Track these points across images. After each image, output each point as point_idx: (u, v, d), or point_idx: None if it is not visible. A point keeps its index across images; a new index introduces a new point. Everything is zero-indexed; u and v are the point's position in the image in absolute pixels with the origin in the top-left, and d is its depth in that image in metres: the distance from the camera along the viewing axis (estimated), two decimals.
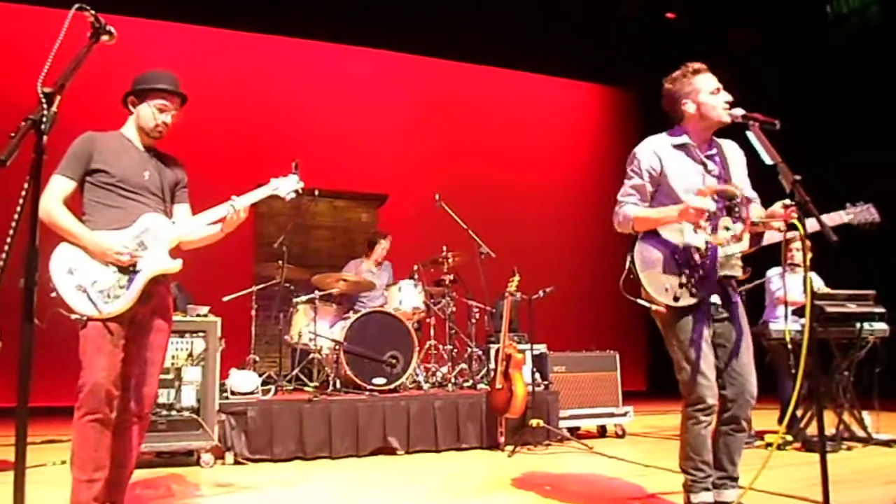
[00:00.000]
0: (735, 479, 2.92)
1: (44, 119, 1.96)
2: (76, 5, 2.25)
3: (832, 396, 5.18)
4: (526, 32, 10.10)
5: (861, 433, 5.22)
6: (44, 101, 1.99)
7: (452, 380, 6.04)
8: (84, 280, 2.74)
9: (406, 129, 10.62)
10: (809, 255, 2.63)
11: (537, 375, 5.80)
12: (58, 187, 2.80)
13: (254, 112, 9.62)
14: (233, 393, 5.08)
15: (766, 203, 2.95)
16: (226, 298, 5.82)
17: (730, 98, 2.90)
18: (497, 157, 11.07)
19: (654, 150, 2.98)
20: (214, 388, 4.67)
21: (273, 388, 5.42)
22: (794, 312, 5.39)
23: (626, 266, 2.94)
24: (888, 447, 5.06)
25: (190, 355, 4.64)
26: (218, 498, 3.80)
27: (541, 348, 6.05)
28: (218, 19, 9.40)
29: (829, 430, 5.03)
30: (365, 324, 5.69)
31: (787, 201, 2.64)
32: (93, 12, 2.31)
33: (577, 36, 10.34)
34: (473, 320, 6.53)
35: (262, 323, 6.48)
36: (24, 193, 1.91)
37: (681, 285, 2.86)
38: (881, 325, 5.31)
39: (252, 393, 5.15)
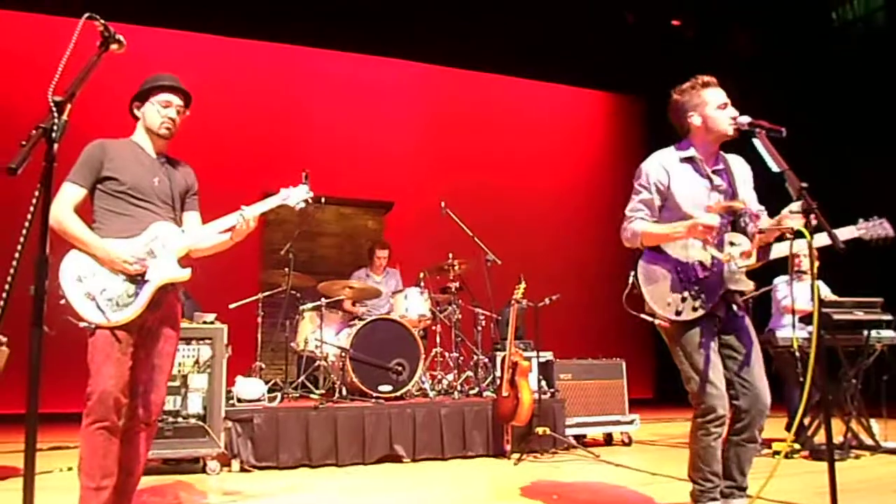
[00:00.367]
0: (743, 489, 2.91)
1: (54, 127, 1.97)
2: (86, 15, 2.27)
3: (840, 404, 5.15)
4: (532, 41, 10.10)
5: (869, 441, 5.19)
6: (54, 109, 2.00)
7: (458, 387, 6.03)
8: (93, 288, 2.75)
9: (412, 137, 10.64)
10: (816, 264, 2.63)
11: (543, 383, 5.78)
12: (68, 195, 2.81)
13: (261, 120, 9.66)
14: (239, 400, 5.09)
15: (773, 213, 2.94)
16: (232, 306, 5.84)
17: (736, 113, 2.89)
18: (502, 164, 11.08)
19: (662, 164, 2.98)
20: (221, 396, 4.67)
21: (279, 395, 5.43)
22: (800, 320, 5.37)
23: (630, 281, 2.95)
24: None
25: (196, 362, 4.65)
26: None
27: (547, 356, 6.03)
28: (226, 28, 9.44)
29: (837, 439, 5.00)
30: (371, 331, 5.69)
31: (795, 206, 2.63)
32: (102, 21, 2.33)
33: (583, 44, 10.34)
34: (479, 328, 6.53)
35: (269, 330, 6.49)
36: (34, 201, 1.92)
37: (683, 300, 2.86)
38: (889, 333, 5.29)
39: (258, 400, 5.16)
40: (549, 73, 11.42)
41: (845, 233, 2.88)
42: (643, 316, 2.95)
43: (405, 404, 5.39)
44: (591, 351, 6.47)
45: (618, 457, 5.31)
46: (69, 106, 2.05)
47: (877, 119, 9.07)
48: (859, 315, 5.22)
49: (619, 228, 3.06)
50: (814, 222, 2.45)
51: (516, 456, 5.16)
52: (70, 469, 4.44)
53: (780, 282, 5.66)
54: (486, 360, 6.41)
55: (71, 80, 2.12)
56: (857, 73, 9.65)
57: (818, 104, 9.67)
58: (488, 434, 5.42)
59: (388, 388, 5.54)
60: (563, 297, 5.70)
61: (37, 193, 1.93)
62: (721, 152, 3.04)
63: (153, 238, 2.90)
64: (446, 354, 6.45)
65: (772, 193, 2.98)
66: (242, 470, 4.73)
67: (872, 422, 5.26)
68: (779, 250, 2.98)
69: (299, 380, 6.02)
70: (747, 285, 2.93)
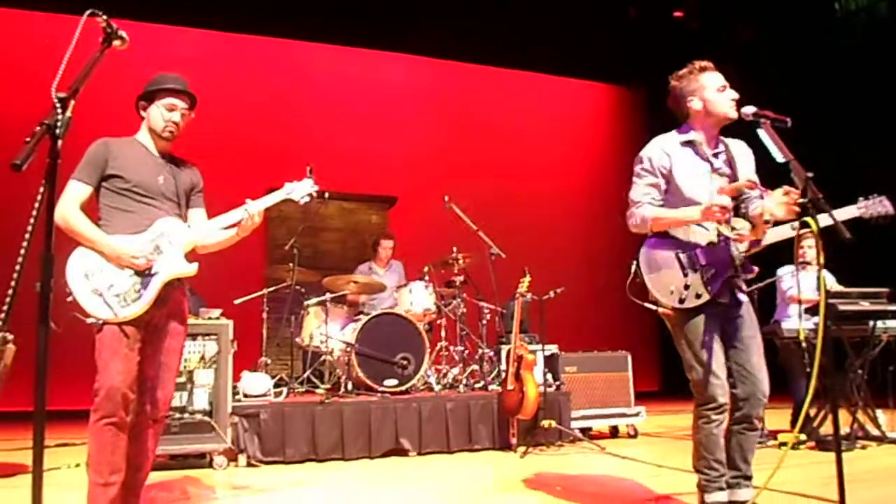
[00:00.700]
0: (749, 478, 2.91)
1: (58, 124, 1.97)
2: (88, 11, 2.27)
3: (846, 395, 5.15)
4: (535, 34, 10.07)
5: (875, 432, 5.18)
6: (58, 105, 2.00)
7: (464, 381, 6.04)
8: (100, 284, 2.76)
9: (415, 131, 10.62)
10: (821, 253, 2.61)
11: (549, 376, 5.79)
12: (74, 192, 2.81)
13: (265, 115, 9.64)
14: (245, 395, 5.10)
15: None
16: (237, 301, 5.85)
17: (736, 95, 2.89)
18: (506, 158, 11.04)
19: (663, 149, 2.97)
20: (227, 391, 4.68)
21: (285, 390, 5.44)
22: (806, 311, 5.35)
23: (632, 270, 2.94)
24: None
25: (202, 358, 4.66)
26: (232, 500, 3.83)
27: (552, 349, 6.04)
28: (229, 24, 9.43)
29: (843, 429, 5.00)
30: (376, 326, 5.69)
31: (787, 187, 2.60)
32: (105, 18, 2.33)
33: (587, 36, 10.31)
34: (484, 321, 6.53)
35: (274, 325, 6.50)
36: (39, 198, 1.93)
37: (686, 287, 2.85)
38: (895, 323, 5.27)
39: (264, 395, 5.18)
40: (553, 67, 11.39)
41: (845, 213, 2.86)
42: (647, 304, 2.94)
43: (411, 398, 5.40)
44: (597, 343, 6.47)
45: (624, 449, 5.31)
46: (73, 102, 2.04)
47: (881, 113, 9.02)
48: (865, 305, 5.19)
49: (624, 221, 3.04)
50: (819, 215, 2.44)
51: (522, 449, 5.17)
52: (78, 465, 4.46)
53: (785, 272, 5.64)
54: (492, 353, 6.41)
55: (74, 77, 2.12)
56: (860, 64, 9.59)
57: (823, 98, 9.61)
58: (494, 427, 5.43)
59: (393, 382, 5.55)
60: (568, 290, 5.70)
61: (41, 190, 1.93)
62: (721, 137, 3.03)
63: (159, 234, 2.91)
64: (451, 348, 6.45)
65: (774, 185, 2.97)
66: (249, 465, 4.74)
67: (878, 412, 5.25)
68: (782, 233, 2.97)
69: (305, 375, 6.04)
70: (748, 271, 2.92)
